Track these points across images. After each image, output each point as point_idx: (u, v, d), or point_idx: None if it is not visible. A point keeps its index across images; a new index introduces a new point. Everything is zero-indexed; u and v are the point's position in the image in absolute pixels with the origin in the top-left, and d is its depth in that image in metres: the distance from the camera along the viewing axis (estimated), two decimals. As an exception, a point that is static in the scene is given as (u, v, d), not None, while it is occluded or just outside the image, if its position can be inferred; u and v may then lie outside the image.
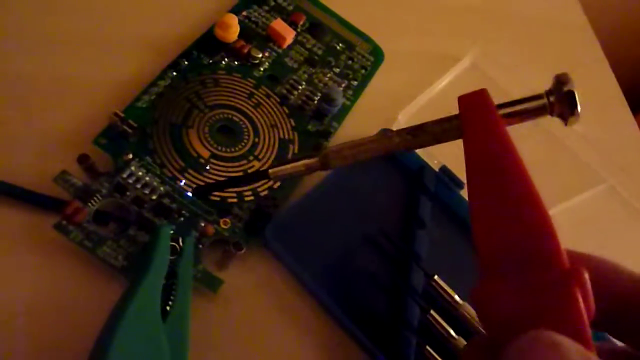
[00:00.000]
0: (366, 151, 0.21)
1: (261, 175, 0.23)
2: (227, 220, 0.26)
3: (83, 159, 0.24)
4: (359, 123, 0.32)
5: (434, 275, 0.27)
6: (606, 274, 0.18)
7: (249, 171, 0.28)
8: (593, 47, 0.44)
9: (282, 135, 0.29)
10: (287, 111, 0.30)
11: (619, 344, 0.19)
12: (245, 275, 0.26)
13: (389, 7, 0.39)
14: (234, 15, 0.30)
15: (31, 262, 0.24)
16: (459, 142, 0.33)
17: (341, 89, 0.32)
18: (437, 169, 0.31)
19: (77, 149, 0.25)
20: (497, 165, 0.17)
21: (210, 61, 0.30)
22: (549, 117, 0.18)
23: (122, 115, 0.26)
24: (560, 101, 0.18)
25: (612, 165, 0.34)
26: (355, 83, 0.33)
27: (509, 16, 0.42)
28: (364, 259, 0.28)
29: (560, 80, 0.18)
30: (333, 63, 0.33)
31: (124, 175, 0.25)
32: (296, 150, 0.29)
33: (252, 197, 0.27)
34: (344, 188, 0.29)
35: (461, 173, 0.31)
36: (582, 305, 0.15)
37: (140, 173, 0.25)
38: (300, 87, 0.31)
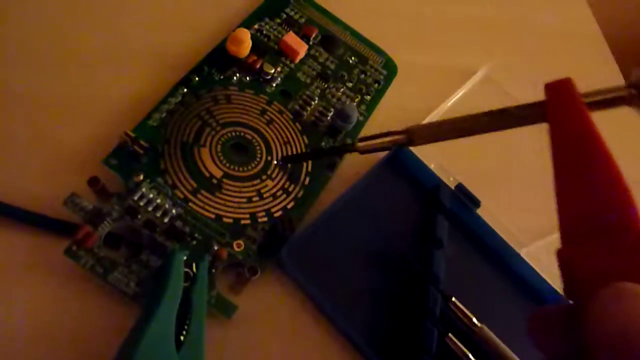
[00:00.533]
0: (451, 129, 0.22)
1: (349, 148, 0.25)
2: (241, 242, 0.25)
3: (93, 182, 0.23)
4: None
5: (451, 297, 0.26)
6: None
7: (262, 190, 0.27)
8: (606, 59, 0.44)
9: (295, 153, 0.29)
10: (300, 128, 0.29)
11: None
12: (259, 299, 0.25)
13: (402, 20, 0.38)
14: (246, 30, 0.29)
15: (41, 287, 0.23)
16: (474, 158, 0.33)
17: (355, 103, 0.31)
18: (453, 187, 0.30)
19: (87, 169, 0.25)
20: (581, 145, 0.18)
21: (222, 77, 0.29)
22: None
23: (133, 135, 0.25)
24: None
25: (632, 182, 0.34)
26: (368, 98, 0.32)
27: (523, 28, 0.41)
28: (380, 280, 0.27)
29: None
30: (346, 77, 0.32)
31: (135, 198, 0.24)
32: (309, 169, 0.28)
33: (265, 218, 0.26)
34: (359, 207, 0.28)
35: (477, 191, 0.30)
36: None
37: (151, 195, 0.25)
38: (313, 103, 0.31)
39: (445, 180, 0.30)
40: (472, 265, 0.29)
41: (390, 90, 0.34)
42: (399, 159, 0.30)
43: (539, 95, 0.34)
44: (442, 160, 0.31)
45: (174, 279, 0.22)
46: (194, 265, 0.23)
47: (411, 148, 0.30)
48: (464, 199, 0.30)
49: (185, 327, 0.21)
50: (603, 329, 0.15)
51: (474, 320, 0.26)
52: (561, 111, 0.19)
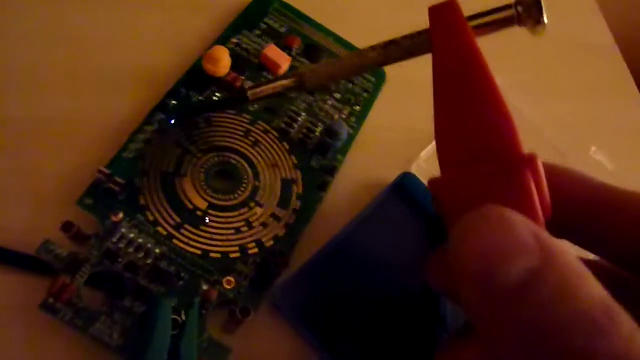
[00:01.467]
0: (341, 68, 0.21)
1: (240, 97, 0.24)
2: (231, 279, 0.23)
3: (67, 228, 0.22)
4: (366, 153, 0.30)
5: None
6: (569, 178, 0.18)
7: (250, 219, 0.25)
8: (621, 71, 0.42)
9: (284, 175, 0.27)
10: (287, 147, 0.28)
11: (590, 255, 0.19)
12: (255, 340, 0.23)
13: (393, 29, 0.36)
14: (223, 48, 0.27)
15: (17, 341, 0.21)
16: None
17: (344, 117, 0.30)
18: None
19: (62, 207, 0.23)
20: (463, 72, 0.17)
21: (201, 98, 0.28)
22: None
23: (107, 172, 0.23)
24: (527, 11, 0.18)
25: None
26: (358, 108, 0.31)
27: (532, 43, 0.40)
28: (384, 322, 0.25)
29: None
30: (333, 88, 0.31)
31: (114, 240, 0.23)
32: (300, 191, 0.27)
33: (256, 250, 0.24)
34: (362, 240, 0.26)
35: None
36: (533, 187, 0.15)
37: (132, 235, 0.23)
38: (300, 119, 0.29)
39: None
40: None
41: (382, 103, 0.32)
42: (404, 187, 0.29)
43: (549, 111, 0.32)
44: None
45: (160, 329, 0.20)
46: (182, 312, 0.21)
47: (418, 175, 0.29)
48: None
49: (175, 381, 0.20)
50: (464, 252, 0.14)
51: None
52: (442, 34, 0.18)
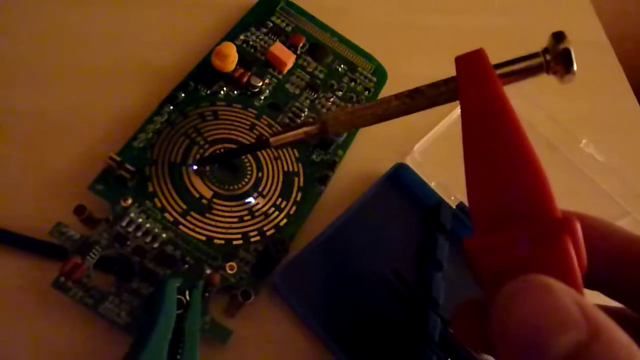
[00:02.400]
0: (364, 116, 0.21)
1: (262, 143, 0.23)
2: (233, 264, 0.25)
3: (79, 211, 0.23)
4: (367, 149, 0.31)
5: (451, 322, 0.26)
6: (599, 231, 0.18)
7: (255, 212, 0.26)
8: (614, 69, 0.43)
9: (286, 168, 0.28)
10: (290, 141, 0.29)
11: (615, 304, 0.18)
12: (254, 323, 0.25)
13: (396, 30, 0.37)
14: (231, 44, 0.28)
15: (30, 315, 0.22)
16: None
17: (345, 114, 0.31)
18: (454, 206, 0.30)
19: (74, 193, 0.24)
20: (492, 124, 0.17)
21: (208, 92, 0.29)
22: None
23: (118, 159, 0.24)
24: (556, 59, 0.18)
25: (636, 196, 0.33)
26: (359, 106, 0.32)
27: (529, 38, 0.41)
28: (378, 304, 0.26)
29: (557, 38, 0.18)
30: (335, 86, 0.32)
31: (123, 224, 0.24)
32: (301, 184, 0.28)
33: (258, 237, 0.26)
34: (357, 228, 0.28)
35: None
36: (573, 253, 0.15)
37: (140, 220, 0.24)
38: (302, 115, 0.30)
39: (446, 199, 0.30)
40: (474, 288, 0.29)
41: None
42: (398, 177, 0.30)
43: (543, 107, 0.33)
44: (443, 178, 0.30)
45: (166, 308, 0.21)
46: (187, 292, 0.23)
47: (412, 166, 0.30)
48: (465, 219, 0.30)
49: (178, 356, 0.21)
50: (508, 322, 0.13)
51: None
52: (470, 85, 0.18)
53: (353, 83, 0.32)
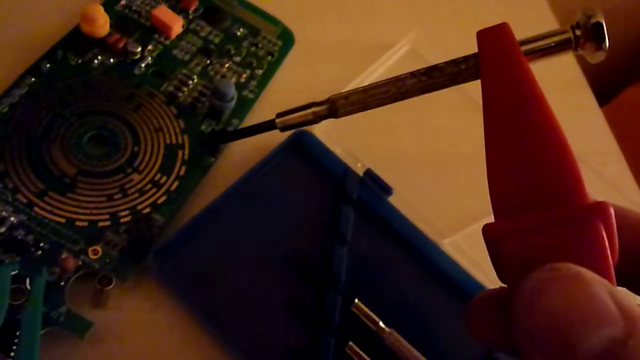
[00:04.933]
0: (376, 95, 0.20)
1: (268, 125, 0.23)
2: (97, 248, 0.22)
3: None
4: (267, 117, 0.28)
5: (354, 300, 0.23)
6: (630, 221, 0.16)
7: (125, 185, 0.23)
8: (545, 15, 0.40)
9: (168, 140, 0.25)
10: (175, 111, 0.26)
11: None
12: (128, 312, 0.22)
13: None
14: (98, 6, 0.25)
15: None
16: (387, 141, 0.30)
17: (240, 80, 0.28)
18: (361, 174, 0.27)
19: None
20: (518, 103, 0.16)
21: (80, 61, 0.26)
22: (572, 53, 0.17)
23: (-42, 135, 0.21)
24: (587, 34, 0.17)
25: None
26: (260, 72, 0.29)
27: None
28: (273, 286, 0.24)
29: (588, 14, 0.17)
30: (233, 51, 0.29)
31: (-38, 208, 0.21)
32: (186, 157, 0.25)
33: (129, 218, 0.23)
34: (250, 201, 0.25)
35: (390, 177, 0.27)
36: (606, 240, 0.14)
37: (-16, 202, 0.21)
38: (191, 83, 0.27)
39: (353, 167, 0.27)
40: (385, 262, 0.26)
41: (289, 66, 0.30)
42: (300, 144, 0.27)
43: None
44: (350, 144, 0.27)
45: (-5, 299, 0.18)
46: (27, 280, 0.20)
47: (317, 134, 0.27)
48: (373, 187, 0.27)
49: (12, 353, 0.18)
50: (535, 316, 0.12)
51: (381, 324, 0.23)
52: (493, 62, 0.17)
53: (254, 47, 0.30)
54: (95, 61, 0.26)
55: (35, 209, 0.22)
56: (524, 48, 0.17)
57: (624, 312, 0.12)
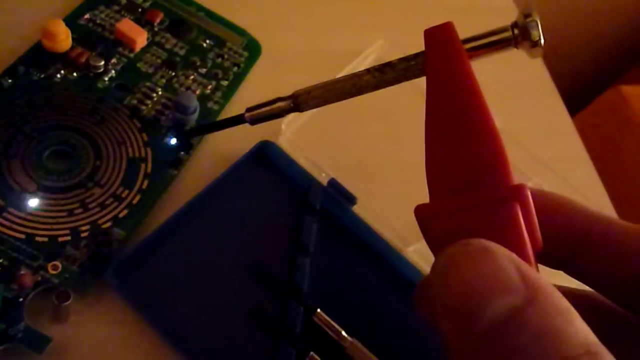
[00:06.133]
0: (336, 90, 0.21)
1: (237, 119, 0.24)
2: (57, 263, 0.22)
3: None
4: (231, 130, 0.28)
5: (316, 309, 0.23)
6: (563, 208, 0.17)
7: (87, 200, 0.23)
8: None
9: (131, 154, 0.25)
10: (138, 125, 0.26)
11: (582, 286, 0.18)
12: (89, 327, 0.22)
13: (269, 2, 0.35)
14: (59, 21, 0.25)
15: None
16: (351, 150, 0.30)
17: (205, 91, 0.28)
18: (325, 184, 0.27)
19: None
20: (456, 96, 0.17)
21: (43, 76, 0.26)
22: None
23: None
24: (524, 32, 0.18)
25: (536, 161, 0.31)
26: (225, 83, 0.29)
27: (418, 2, 0.38)
28: (237, 296, 0.24)
29: (524, 13, 0.18)
30: (198, 63, 0.29)
31: None
32: (149, 170, 0.25)
33: (89, 232, 0.23)
34: (212, 213, 0.25)
35: (353, 186, 0.27)
36: (521, 220, 0.14)
37: (-59, 221, 0.21)
38: (154, 95, 0.27)
39: (317, 176, 0.27)
40: (349, 271, 0.26)
41: (255, 77, 0.30)
42: (264, 155, 0.27)
43: None
44: (314, 154, 0.27)
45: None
46: (-17, 297, 0.20)
47: (281, 144, 0.27)
48: (337, 196, 0.27)
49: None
50: (447, 286, 0.13)
51: (343, 333, 0.23)
52: (436, 58, 0.18)
53: (220, 59, 0.30)
54: (58, 75, 0.26)
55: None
56: (467, 46, 0.18)
57: (527, 282, 0.12)
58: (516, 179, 0.15)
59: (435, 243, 0.15)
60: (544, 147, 0.34)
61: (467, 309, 0.12)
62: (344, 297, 0.25)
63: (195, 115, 0.26)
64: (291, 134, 0.27)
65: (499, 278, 0.12)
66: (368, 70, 0.20)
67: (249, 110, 0.23)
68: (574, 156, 0.36)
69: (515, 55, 0.37)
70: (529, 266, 0.13)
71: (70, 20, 0.27)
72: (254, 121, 0.23)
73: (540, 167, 0.31)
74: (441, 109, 0.17)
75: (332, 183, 0.27)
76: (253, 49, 0.31)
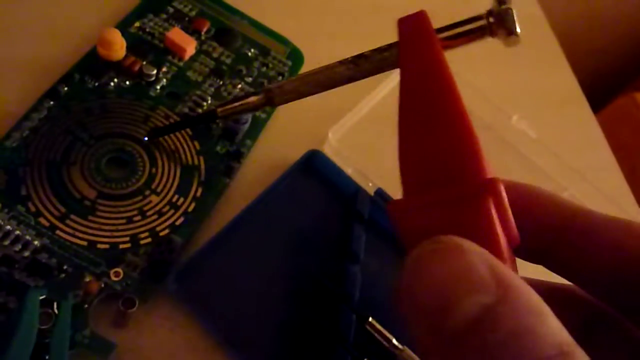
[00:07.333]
0: (309, 83, 0.20)
1: (210, 115, 0.23)
2: (119, 270, 0.22)
3: None
4: (279, 138, 0.29)
5: (368, 318, 0.24)
6: (542, 201, 0.17)
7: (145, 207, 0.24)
8: (548, 41, 0.41)
9: (185, 161, 0.26)
10: (190, 133, 0.27)
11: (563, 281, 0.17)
12: (149, 334, 0.22)
13: (311, 10, 0.35)
14: (115, 30, 0.26)
15: None
16: (395, 164, 0.30)
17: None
18: (372, 193, 0.27)
19: None
20: (429, 88, 0.16)
21: (97, 84, 0.26)
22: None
23: (-19, 161, 0.22)
24: (499, 20, 0.17)
25: (572, 171, 0.31)
26: (271, 92, 0.29)
27: (451, 11, 0.39)
28: (289, 305, 0.24)
29: (499, 1, 0.17)
30: (244, 72, 0.30)
31: (-13, 232, 0.21)
32: (202, 178, 0.26)
33: (149, 239, 0.23)
34: (265, 222, 0.25)
35: (399, 196, 0.27)
36: (494, 215, 0.14)
37: (8, 227, 0.22)
38: (205, 104, 0.28)
39: (364, 186, 0.28)
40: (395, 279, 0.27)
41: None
42: (312, 164, 0.28)
43: (475, 85, 0.31)
44: (361, 164, 0.28)
45: (25, 323, 0.19)
46: (55, 304, 0.20)
47: (328, 153, 0.28)
48: (384, 206, 0.27)
49: (42, 378, 0.19)
50: (416, 285, 0.12)
51: (394, 342, 0.23)
52: (410, 48, 0.17)
53: (265, 68, 0.30)
54: (112, 84, 0.26)
55: (58, 232, 0.22)
56: (441, 35, 0.18)
57: (499, 280, 0.12)
58: (492, 171, 0.15)
59: (407, 240, 0.15)
60: (577, 157, 0.34)
61: (437, 308, 0.12)
62: (392, 305, 0.26)
63: (247, 124, 0.27)
64: (336, 142, 0.28)
65: (469, 276, 0.12)
66: (341, 62, 0.20)
67: (220, 105, 0.23)
68: (605, 166, 0.36)
69: (544, 63, 0.38)
70: (501, 263, 0.13)
71: (121, 29, 0.28)
72: (226, 117, 0.23)
73: (575, 177, 0.32)
74: (414, 101, 0.16)
75: (379, 192, 0.27)
76: (296, 57, 0.31)
